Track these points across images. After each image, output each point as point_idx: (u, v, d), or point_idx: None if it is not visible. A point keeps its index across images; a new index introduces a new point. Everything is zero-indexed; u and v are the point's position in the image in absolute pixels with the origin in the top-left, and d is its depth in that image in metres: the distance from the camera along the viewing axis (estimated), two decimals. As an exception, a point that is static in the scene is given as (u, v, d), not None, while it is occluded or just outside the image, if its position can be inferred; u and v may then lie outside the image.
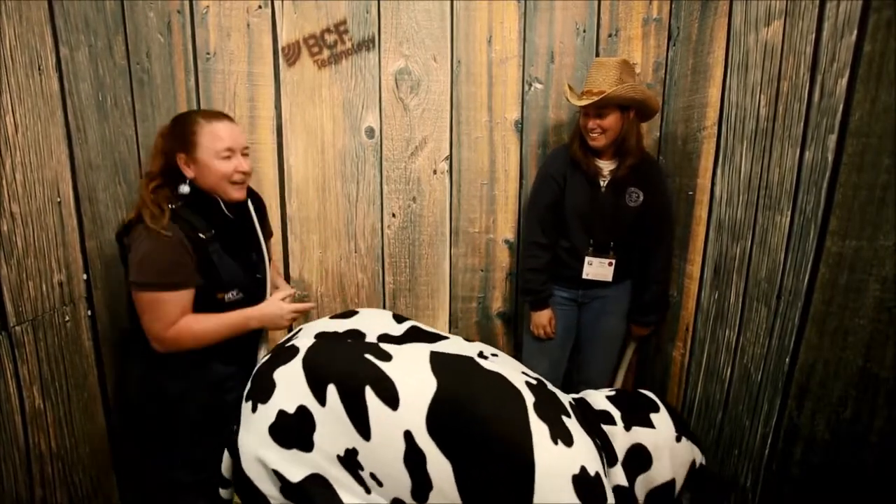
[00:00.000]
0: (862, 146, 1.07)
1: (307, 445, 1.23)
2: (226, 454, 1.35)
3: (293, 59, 1.92)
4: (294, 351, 1.31)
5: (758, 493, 1.40)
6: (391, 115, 2.00)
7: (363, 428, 1.21)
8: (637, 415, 1.43)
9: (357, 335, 1.44)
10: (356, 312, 1.55)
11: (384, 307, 2.13)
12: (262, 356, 1.48)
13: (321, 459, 1.23)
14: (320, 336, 1.41)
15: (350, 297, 2.12)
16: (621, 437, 1.36)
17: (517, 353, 2.15)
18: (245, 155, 1.42)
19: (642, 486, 1.35)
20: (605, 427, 1.38)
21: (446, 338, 1.50)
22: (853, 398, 1.09)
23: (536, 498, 1.13)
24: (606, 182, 1.82)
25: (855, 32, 1.09)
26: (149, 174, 1.39)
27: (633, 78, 1.75)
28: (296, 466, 1.23)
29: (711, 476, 1.56)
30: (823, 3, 1.19)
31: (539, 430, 1.18)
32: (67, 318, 1.41)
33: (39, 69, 1.31)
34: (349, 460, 1.23)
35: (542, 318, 1.92)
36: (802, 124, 1.26)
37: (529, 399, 1.24)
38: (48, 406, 1.33)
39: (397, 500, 1.23)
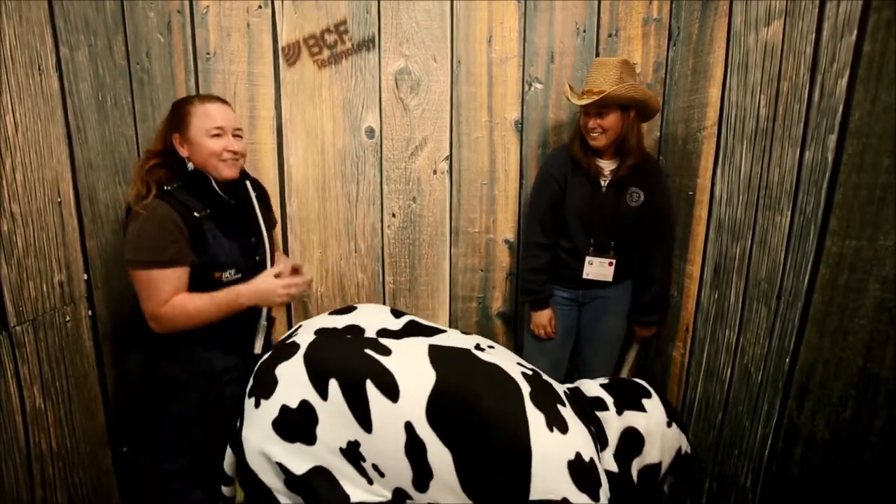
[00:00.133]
0: (862, 146, 1.07)
1: (310, 439, 1.25)
2: (229, 451, 1.37)
3: (293, 59, 1.92)
4: (295, 347, 1.33)
5: (758, 493, 1.40)
6: (391, 115, 2.00)
7: (365, 420, 1.23)
8: (629, 399, 1.47)
9: (356, 331, 1.46)
10: (355, 308, 1.57)
11: (384, 307, 2.14)
12: (259, 344, 1.49)
13: (324, 452, 1.25)
14: (320, 332, 1.42)
15: (350, 296, 2.12)
16: (614, 422, 1.41)
17: (517, 354, 2.15)
18: (237, 136, 1.44)
19: (636, 464, 1.40)
20: (599, 413, 1.43)
21: (444, 331, 1.52)
22: (853, 398, 1.09)
23: (533, 483, 1.16)
24: (607, 182, 1.82)
25: (855, 32, 1.09)
26: (148, 152, 1.41)
27: (633, 78, 1.75)
28: (299, 459, 1.25)
29: (696, 465, 1.60)
30: (823, 3, 1.19)
31: (535, 418, 1.22)
32: (68, 317, 1.41)
33: (39, 69, 1.31)
34: (352, 452, 1.25)
35: (543, 318, 1.92)
36: (802, 124, 1.26)
37: (525, 389, 1.27)
38: (49, 406, 1.34)
39: (399, 489, 1.26)
